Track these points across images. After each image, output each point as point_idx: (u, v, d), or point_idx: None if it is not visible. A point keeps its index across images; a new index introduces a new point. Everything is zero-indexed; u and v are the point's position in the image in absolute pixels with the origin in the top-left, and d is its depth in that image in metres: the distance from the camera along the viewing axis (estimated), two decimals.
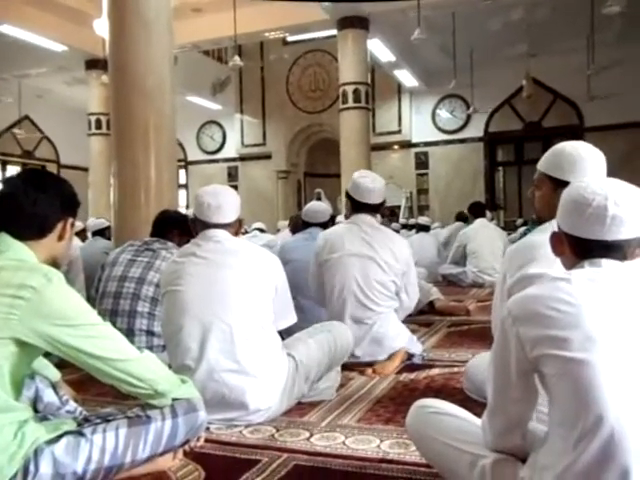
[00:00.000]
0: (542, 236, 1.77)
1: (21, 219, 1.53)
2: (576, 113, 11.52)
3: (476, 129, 12.35)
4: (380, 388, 2.56)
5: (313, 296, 3.04)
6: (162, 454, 1.65)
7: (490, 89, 11.59)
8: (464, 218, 7.89)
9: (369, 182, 2.86)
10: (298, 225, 4.44)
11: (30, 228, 1.54)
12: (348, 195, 2.94)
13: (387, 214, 3.13)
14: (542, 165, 1.89)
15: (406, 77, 11.60)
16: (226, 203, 2.17)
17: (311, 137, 13.62)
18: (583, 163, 1.77)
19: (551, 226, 1.71)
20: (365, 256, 2.81)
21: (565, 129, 11.61)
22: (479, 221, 6.37)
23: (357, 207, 2.91)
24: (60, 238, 1.60)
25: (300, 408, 2.27)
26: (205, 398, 1.81)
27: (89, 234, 5.52)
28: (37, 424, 1.49)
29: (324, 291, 2.92)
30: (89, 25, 8.03)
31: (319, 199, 9.99)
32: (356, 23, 8.77)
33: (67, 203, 1.62)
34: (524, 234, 5.82)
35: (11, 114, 11.79)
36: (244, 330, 2.07)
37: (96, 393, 2.53)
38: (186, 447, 1.78)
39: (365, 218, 2.89)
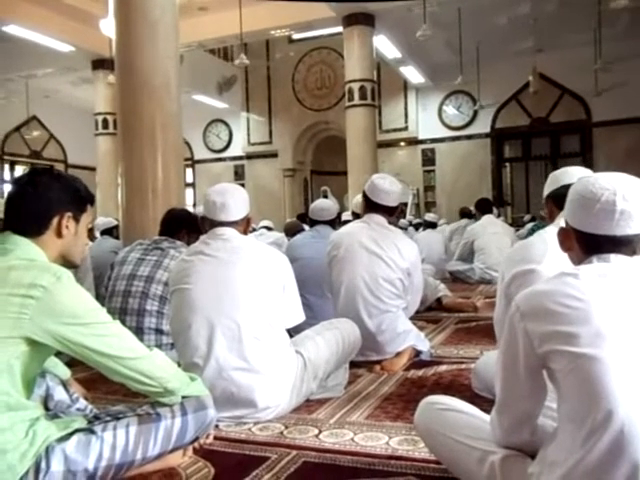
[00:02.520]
0: (537, 238, 1.85)
1: (17, 217, 1.54)
2: (584, 108, 11.44)
3: (483, 125, 12.29)
4: (388, 385, 2.56)
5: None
6: (172, 451, 1.66)
7: (497, 85, 11.54)
8: (469, 214, 7.90)
9: (386, 184, 2.89)
10: (293, 229, 4.54)
11: (26, 225, 1.53)
12: (364, 195, 2.95)
13: (397, 214, 3.14)
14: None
15: (412, 73, 11.56)
16: (233, 201, 2.18)
17: (317, 135, 13.60)
18: (569, 173, 1.91)
19: (548, 230, 1.85)
20: (372, 253, 2.82)
21: (573, 124, 11.56)
22: (486, 217, 6.36)
23: (371, 207, 2.92)
24: (59, 234, 1.56)
25: (308, 405, 2.28)
26: (214, 396, 1.82)
27: (97, 233, 5.55)
28: (48, 422, 1.50)
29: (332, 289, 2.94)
30: (95, 25, 8.06)
31: (325, 197, 10.00)
32: (362, 20, 8.75)
33: (62, 197, 1.57)
34: (531, 230, 5.82)
35: (19, 114, 11.85)
36: (252, 328, 2.08)
37: (106, 391, 2.55)
38: (195, 444, 1.79)
39: (377, 218, 2.90)
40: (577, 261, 1.25)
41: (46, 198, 1.55)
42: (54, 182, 1.58)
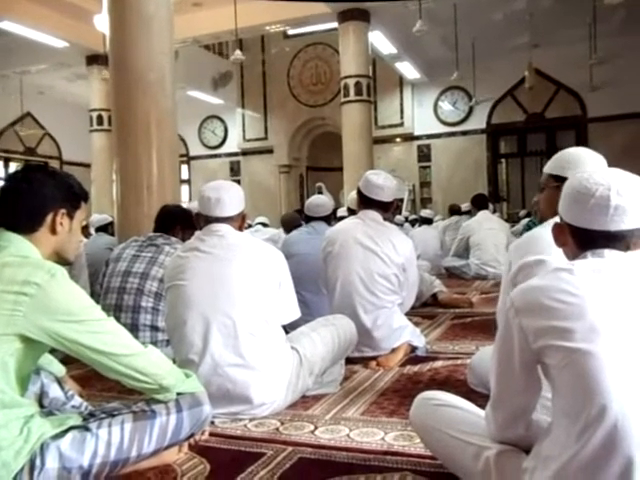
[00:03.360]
0: (545, 229, 1.83)
1: (11, 213, 1.53)
2: (579, 104, 11.45)
3: (478, 121, 12.29)
4: (384, 381, 2.56)
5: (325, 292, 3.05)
6: (167, 448, 1.66)
7: (492, 80, 11.54)
8: (458, 211, 7.92)
9: (380, 179, 2.88)
10: (290, 223, 4.50)
11: (20, 221, 1.53)
12: (359, 191, 2.95)
13: (393, 210, 3.13)
14: (546, 167, 1.93)
15: (408, 69, 11.56)
16: (227, 197, 2.17)
17: (313, 131, 13.59)
18: (582, 159, 1.80)
19: (554, 221, 1.76)
20: (367, 249, 2.82)
21: (568, 120, 11.57)
22: (482, 213, 6.37)
23: (366, 203, 2.92)
24: (53, 231, 1.56)
25: (304, 401, 2.28)
26: (209, 392, 1.81)
27: (92, 230, 5.53)
28: (43, 419, 1.50)
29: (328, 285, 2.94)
30: (89, 20, 8.01)
31: (320, 193, 9.99)
32: (357, 16, 8.74)
33: (56, 194, 1.57)
34: (527, 226, 5.84)
35: (13, 111, 11.78)
36: (248, 324, 2.08)
37: (101, 388, 2.55)
38: (191, 441, 1.79)
39: (371, 214, 2.90)
40: (572, 256, 1.25)
41: (41, 195, 1.55)
42: (48, 179, 1.58)
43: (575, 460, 1.07)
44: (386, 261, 2.81)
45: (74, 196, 1.63)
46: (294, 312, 2.26)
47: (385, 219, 2.95)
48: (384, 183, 2.88)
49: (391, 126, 12.69)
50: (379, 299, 2.81)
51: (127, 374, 1.54)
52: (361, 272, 2.81)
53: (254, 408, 2.10)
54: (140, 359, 1.55)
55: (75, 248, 1.66)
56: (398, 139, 12.95)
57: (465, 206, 7.72)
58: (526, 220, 7.81)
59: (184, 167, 14.43)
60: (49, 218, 1.56)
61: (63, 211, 1.58)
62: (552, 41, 10.29)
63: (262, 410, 2.11)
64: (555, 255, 1.68)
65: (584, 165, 1.76)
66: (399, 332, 2.87)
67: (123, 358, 1.52)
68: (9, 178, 1.60)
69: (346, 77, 9.01)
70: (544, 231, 1.84)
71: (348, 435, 1.94)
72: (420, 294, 4.38)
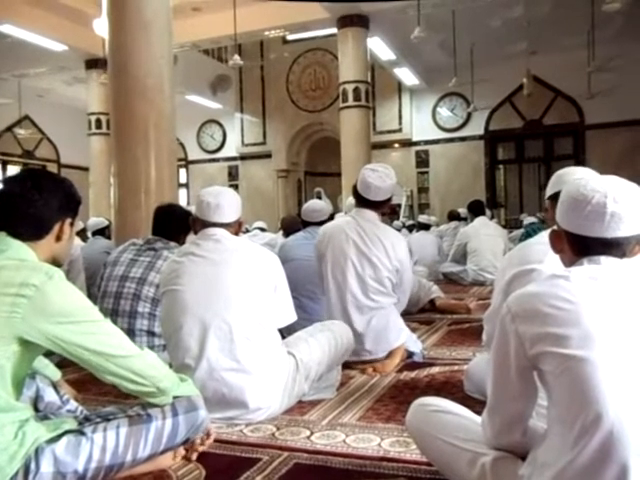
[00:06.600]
0: (537, 240, 1.85)
1: (18, 220, 1.52)
2: (577, 111, 11.50)
3: (476, 127, 12.33)
4: (381, 386, 2.56)
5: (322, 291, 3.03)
6: (163, 453, 1.65)
7: (490, 87, 11.57)
8: (457, 217, 7.93)
9: (373, 178, 2.80)
10: (291, 227, 4.46)
11: (27, 229, 1.53)
12: (354, 188, 2.92)
13: (388, 212, 3.09)
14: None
15: (406, 75, 11.59)
16: (226, 203, 2.18)
17: (311, 136, 13.61)
18: (568, 175, 1.85)
19: (546, 233, 1.80)
20: (359, 251, 2.79)
21: (566, 127, 11.62)
22: (479, 219, 6.37)
23: (359, 201, 2.90)
24: (58, 239, 1.58)
25: (301, 406, 2.28)
26: (205, 397, 1.81)
27: (89, 233, 5.53)
28: (38, 423, 1.49)
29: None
30: (89, 25, 8.04)
31: (319, 198, 10.00)
32: (356, 21, 8.77)
33: (64, 204, 1.59)
34: (526, 232, 5.85)
35: (11, 114, 11.78)
36: (244, 329, 2.07)
37: (97, 392, 2.54)
38: (183, 452, 1.78)
39: (366, 213, 2.86)
40: (568, 263, 1.25)
41: (52, 205, 1.56)
42: (58, 188, 1.59)
43: (571, 467, 1.07)
44: (378, 265, 2.77)
45: (77, 204, 1.65)
46: (290, 315, 2.26)
47: (382, 222, 2.93)
48: (373, 182, 2.80)
49: (389, 132, 12.72)
50: (373, 301, 2.79)
51: (124, 376, 1.53)
52: (354, 273, 2.79)
53: (250, 413, 2.10)
54: (137, 361, 1.55)
55: (69, 253, 1.67)
56: (396, 145, 12.98)
57: (464, 212, 7.73)
58: (528, 222, 7.83)
59: (182, 171, 14.42)
60: (56, 227, 1.57)
61: (69, 220, 1.61)
62: (550, 48, 10.34)
63: (258, 415, 2.11)
64: (548, 263, 1.70)
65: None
66: (395, 334, 2.84)
67: (120, 359, 1.51)
68: (15, 183, 1.57)
69: (345, 83, 9.03)
70: (536, 241, 1.87)
71: (344, 441, 1.93)
72: (417, 300, 4.39)
